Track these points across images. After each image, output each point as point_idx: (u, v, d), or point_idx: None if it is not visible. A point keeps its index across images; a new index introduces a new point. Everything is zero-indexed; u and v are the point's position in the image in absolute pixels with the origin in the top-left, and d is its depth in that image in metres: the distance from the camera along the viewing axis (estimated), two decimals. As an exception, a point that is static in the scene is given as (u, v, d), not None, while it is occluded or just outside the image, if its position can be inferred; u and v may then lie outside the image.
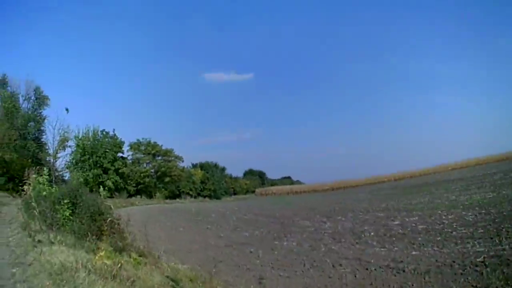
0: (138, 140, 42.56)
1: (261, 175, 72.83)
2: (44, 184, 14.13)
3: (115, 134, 37.73)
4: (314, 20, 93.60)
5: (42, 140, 30.83)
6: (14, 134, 25.92)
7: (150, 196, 39.77)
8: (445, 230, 10.18)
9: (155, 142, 43.31)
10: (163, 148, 43.55)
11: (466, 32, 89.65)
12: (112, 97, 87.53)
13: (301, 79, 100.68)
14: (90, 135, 35.26)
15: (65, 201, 9.53)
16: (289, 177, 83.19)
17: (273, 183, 74.27)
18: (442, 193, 20.46)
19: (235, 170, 70.01)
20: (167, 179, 42.06)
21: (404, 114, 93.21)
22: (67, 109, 30.09)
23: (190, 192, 47.31)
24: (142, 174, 39.63)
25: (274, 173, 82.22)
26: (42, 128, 30.74)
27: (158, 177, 41.98)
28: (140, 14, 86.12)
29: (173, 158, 44.37)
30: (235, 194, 59.02)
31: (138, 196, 37.17)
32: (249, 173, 70.95)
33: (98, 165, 34.34)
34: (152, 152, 42.46)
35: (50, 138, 29.72)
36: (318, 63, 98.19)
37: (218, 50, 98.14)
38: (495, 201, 13.70)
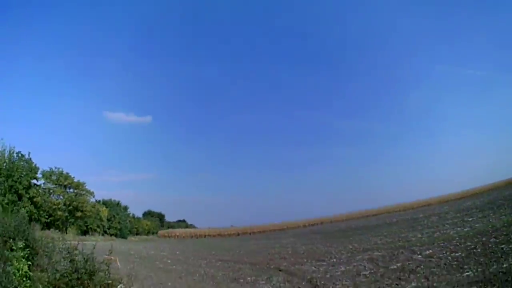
0: (50, 168, 38.36)
1: (160, 217, 71.44)
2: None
3: (30, 158, 33.78)
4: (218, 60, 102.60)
5: None
6: None
7: (59, 230, 35.72)
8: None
9: (67, 173, 39.80)
10: (75, 180, 40.56)
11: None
12: (25, 120, 71.88)
13: (199, 125, 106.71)
14: (6, 155, 30.89)
15: (19, 244, 6.22)
16: (184, 220, 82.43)
17: (170, 225, 73.27)
18: (395, 232, 20.23)
19: (133, 210, 66.67)
20: (78, 213, 38.45)
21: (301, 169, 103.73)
22: None
23: (98, 230, 43.79)
24: (53, 206, 35.67)
25: (170, 215, 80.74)
26: None
27: (69, 211, 38.03)
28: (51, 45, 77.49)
29: (84, 192, 41.36)
30: (137, 234, 56.41)
31: (52, 229, 33.11)
32: (149, 214, 68.54)
33: (13, 190, 29.97)
34: (64, 183, 38.87)
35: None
36: (218, 108, 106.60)
37: (118, 90, 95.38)
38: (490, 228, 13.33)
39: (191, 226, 79.14)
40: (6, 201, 28.19)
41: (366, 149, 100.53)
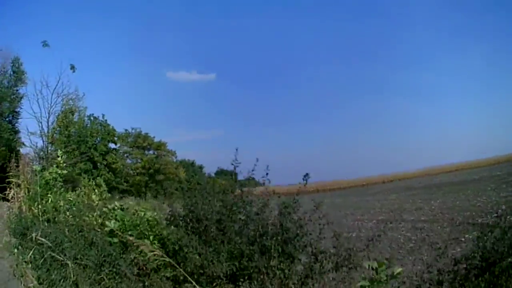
0: (126, 130, 34.74)
1: (232, 175, 69.13)
2: (58, 191, 7.28)
3: (105, 120, 30.03)
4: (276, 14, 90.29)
5: (16, 125, 23.22)
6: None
7: (139, 197, 33.50)
8: None
9: (146, 133, 35.81)
10: (156, 141, 36.60)
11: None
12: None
13: (265, 80, 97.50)
14: (76, 118, 27.36)
15: None
16: (253, 178, 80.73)
17: (241, 183, 71.08)
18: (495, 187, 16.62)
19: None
20: (160, 177, 34.79)
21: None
22: (72, 66, 20.08)
23: (176, 192, 41.52)
24: (132, 171, 32.85)
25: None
26: (18, 110, 23.20)
27: (150, 175, 34.93)
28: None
29: (165, 153, 37.52)
30: (214, 194, 54.30)
31: (131, 197, 30.67)
32: (221, 172, 66.92)
33: (86, 158, 27.03)
34: (143, 144, 35.61)
35: (42, 108, 21.23)
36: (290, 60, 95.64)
37: (180, 49, 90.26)
38: None
39: (259, 184, 76.17)
40: (77, 171, 24.99)
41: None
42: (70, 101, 22.18)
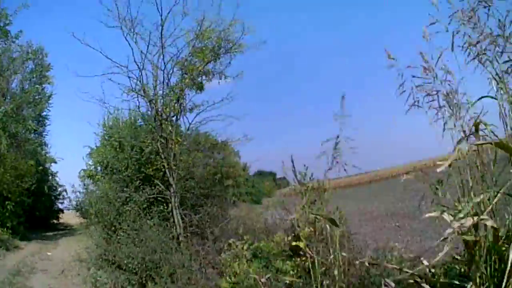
0: (180, 131, 22.35)
1: (272, 176, 59.40)
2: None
3: (167, 118, 16.79)
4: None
5: (44, 131, 18.94)
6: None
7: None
8: None
9: (206, 133, 20.93)
10: (219, 140, 21.61)
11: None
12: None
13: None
14: (121, 122, 14.15)
15: None
16: (285, 178, 56.76)
17: (278, 183, 58.20)
18: None
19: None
20: (229, 181, 27.10)
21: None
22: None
23: (234, 198, 29.89)
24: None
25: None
26: (44, 113, 18.67)
27: (214, 180, 28.71)
28: None
29: (229, 153, 27.11)
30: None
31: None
32: (260, 174, 55.37)
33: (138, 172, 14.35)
34: (206, 146, 30.94)
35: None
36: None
37: None
38: None
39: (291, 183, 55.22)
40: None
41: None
42: (211, 30, 9.60)
